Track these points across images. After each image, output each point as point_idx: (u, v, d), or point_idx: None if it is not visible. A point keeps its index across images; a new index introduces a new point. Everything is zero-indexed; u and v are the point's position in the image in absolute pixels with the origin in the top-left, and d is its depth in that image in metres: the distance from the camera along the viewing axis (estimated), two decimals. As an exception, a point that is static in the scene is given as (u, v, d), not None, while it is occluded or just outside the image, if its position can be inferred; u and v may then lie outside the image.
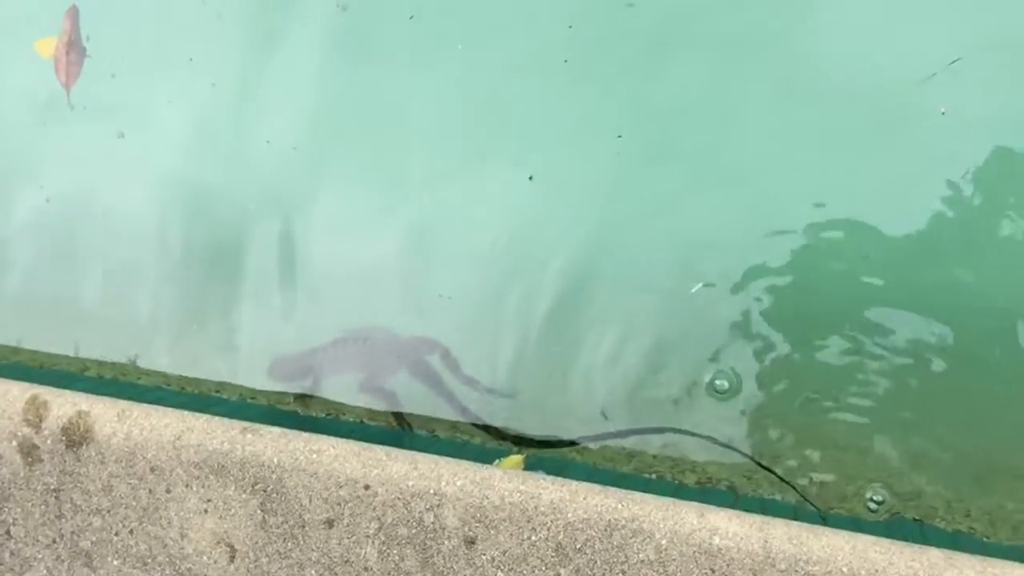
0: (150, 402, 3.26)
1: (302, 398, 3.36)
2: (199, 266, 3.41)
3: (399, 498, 2.51)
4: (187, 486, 2.65)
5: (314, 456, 2.60)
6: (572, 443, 3.00)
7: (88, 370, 3.57)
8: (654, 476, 3.07)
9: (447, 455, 3.06)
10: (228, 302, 3.42)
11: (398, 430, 3.24)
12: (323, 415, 3.36)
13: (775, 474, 2.82)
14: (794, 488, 2.80)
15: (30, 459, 2.77)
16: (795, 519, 2.85)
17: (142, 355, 3.54)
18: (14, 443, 2.79)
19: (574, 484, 2.46)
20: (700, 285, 2.82)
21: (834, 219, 2.73)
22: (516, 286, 3.07)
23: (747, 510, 2.84)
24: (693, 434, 2.87)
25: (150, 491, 2.68)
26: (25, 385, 2.85)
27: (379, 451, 2.60)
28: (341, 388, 3.30)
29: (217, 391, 3.46)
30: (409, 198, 3.06)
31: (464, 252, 3.04)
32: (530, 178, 2.96)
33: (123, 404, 2.77)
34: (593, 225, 2.96)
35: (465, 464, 2.55)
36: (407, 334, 3.22)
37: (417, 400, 3.27)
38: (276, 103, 3.22)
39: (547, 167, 2.98)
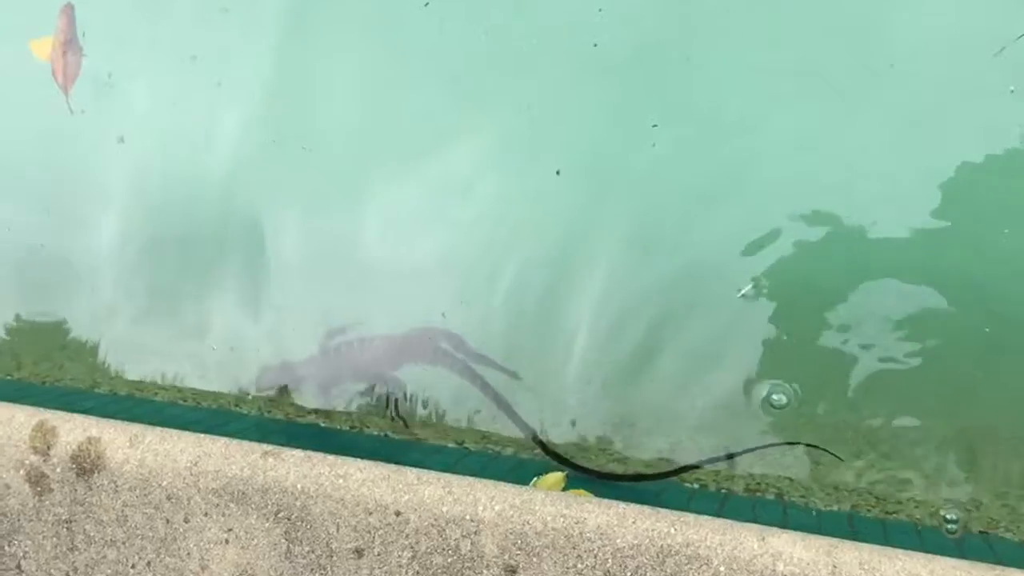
0: (166, 419, 3.12)
1: (325, 413, 3.20)
2: (201, 271, 3.25)
3: (433, 525, 2.33)
4: (206, 515, 2.49)
5: (340, 481, 2.43)
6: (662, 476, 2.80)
7: (99, 386, 3.42)
8: (697, 486, 2.91)
9: (479, 466, 2.92)
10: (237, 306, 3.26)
11: (401, 427, 3.08)
12: (347, 428, 3.20)
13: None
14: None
15: (39, 489, 2.61)
16: (853, 531, 2.70)
17: (157, 368, 3.39)
18: (21, 472, 2.63)
19: (621, 506, 2.29)
20: (749, 287, 2.63)
21: (908, 210, 2.53)
22: (546, 287, 2.89)
23: (800, 523, 2.68)
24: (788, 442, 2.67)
25: (167, 521, 2.52)
26: (31, 409, 2.69)
27: (410, 474, 2.42)
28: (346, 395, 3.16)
29: (236, 405, 3.31)
30: (440, 196, 2.87)
31: (496, 250, 2.86)
32: (557, 172, 2.77)
33: (135, 428, 2.60)
34: (627, 222, 2.77)
35: (503, 487, 2.38)
36: (401, 331, 3.07)
37: (430, 397, 3.12)
38: (286, 102, 3.04)
39: (575, 160, 2.78)
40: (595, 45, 2.72)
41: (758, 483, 2.90)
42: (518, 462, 3.03)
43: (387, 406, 3.11)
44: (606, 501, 2.31)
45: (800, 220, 2.60)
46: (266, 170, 3.01)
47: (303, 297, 3.10)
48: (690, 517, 2.25)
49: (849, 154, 2.59)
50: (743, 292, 2.62)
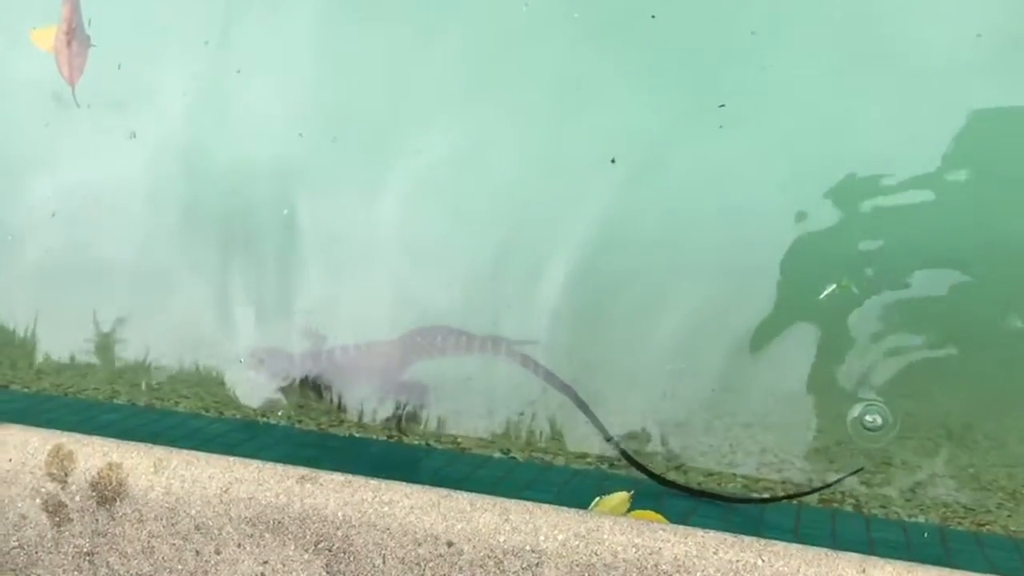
0: (190, 432, 2.93)
1: (360, 423, 2.99)
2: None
3: (489, 556, 2.11)
4: (239, 546, 2.28)
5: (385, 508, 2.20)
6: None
7: (119, 395, 3.21)
8: (767, 494, 2.69)
9: (529, 479, 2.71)
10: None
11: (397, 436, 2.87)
12: (383, 438, 2.99)
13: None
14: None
15: (58, 519, 2.41)
16: (946, 549, 2.47)
17: (175, 369, 3.19)
18: (38, 501, 2.42)
19: (700, 534, 2.05)
20: (832, 287, 2.38)
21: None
22: (602, 289, 2.66)
23: (887, 540, 2.45)
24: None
25: (197, 553, 2.31)
26: (46, 432, 2.48)
27: (462, 499, 2.20)
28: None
29: (263, 416, 3.09)
30: (483, 187, 2.62)
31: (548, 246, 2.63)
32: (612, 161, 2.51)
33: (159, 452, 2.39)
34: (687, 215, 2.52)
35: (566, 513, 2.15)
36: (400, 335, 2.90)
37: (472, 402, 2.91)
38: (307, 89, 2.79)
39: (633, 148, 2.53)
40: (653, 16, 2.45)
41: (832, 492, 2.68)
42: (572, 474, 2.81)
43: (400, 415, 2.91)
44: (683, 528, 2.08)
45: (891, 213, 2.34)
46: (296, 165, 2.76)
47: (339, 300, 2.88)
48: (779, 546, 2.01)
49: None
50: (826, 293, 2.37)
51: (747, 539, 2.03)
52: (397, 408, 2.96)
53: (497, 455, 2.94)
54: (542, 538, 2.09)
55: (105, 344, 3.33)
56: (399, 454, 2.91)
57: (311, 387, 3.04)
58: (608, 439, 2.74)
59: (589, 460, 2.92)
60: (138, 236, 3.01)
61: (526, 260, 2.62)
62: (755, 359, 2.55)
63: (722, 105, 2.39)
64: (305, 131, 2.75)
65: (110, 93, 2.91)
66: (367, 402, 2.99)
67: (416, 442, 3.01)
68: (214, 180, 2.86)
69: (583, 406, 2.81)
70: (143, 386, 3.25)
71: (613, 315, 2.73)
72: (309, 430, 3.04)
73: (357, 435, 3.02)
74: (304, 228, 2.83)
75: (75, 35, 2.85)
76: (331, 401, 3.01)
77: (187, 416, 3.06)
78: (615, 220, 2.51)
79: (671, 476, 2.81)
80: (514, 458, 2.93)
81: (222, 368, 3.12)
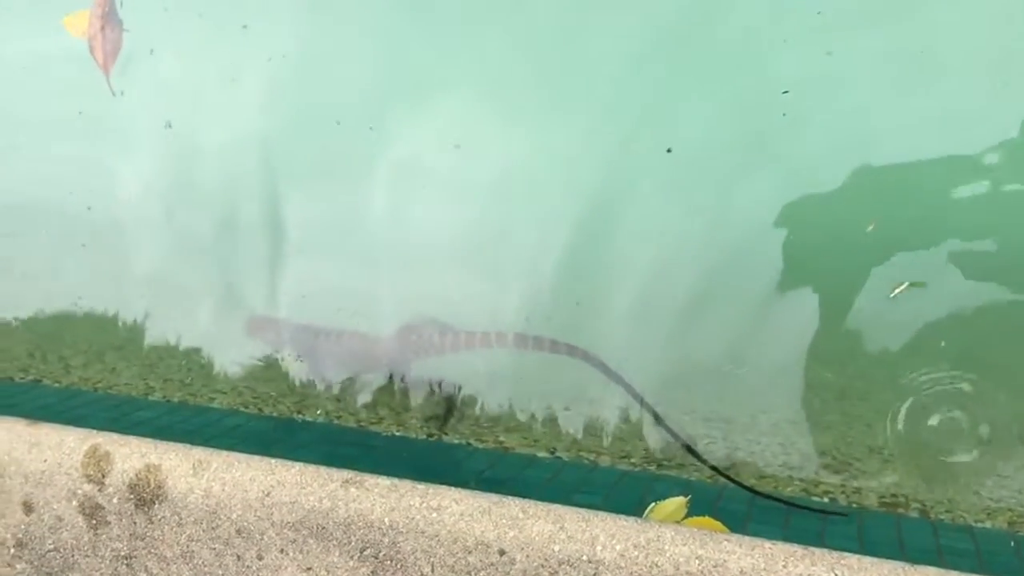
0: (227, 430, 2.85)
1: (397, 418, 2.90)
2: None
3: (543, 566, 2.02)
4: (282, 551, 2.20)
5: (434, 514, 2.11)
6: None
7: (153, 392, 3.14)
8: (827, 499, 2.58)
9: (577, 481, 2.62)
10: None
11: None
12: (423, 437, 2.90)
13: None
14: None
15: (95, 521, 2.34)
16: (1020, 557, 2.35)
17: (213, 370, 3.11)
18: (75, 503, 2.35)
19: (768, 545, 1.95)
20: (904, 285, 2.25)
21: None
22: (656, 284, 2.55)
23: (956, 549, 2.33)
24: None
25: (238, 557, 2.23)
26: (82, 432, 2.41)
27: (514, 506, 2.10)
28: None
29: (299, 412, 3.01)
30: (536, 180, 2.51)
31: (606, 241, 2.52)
32: (668, 151, 2.40)
33: (198, 453, 2.31)
34: (754, 210, 2.40)
35: (623, 521, 2.05)
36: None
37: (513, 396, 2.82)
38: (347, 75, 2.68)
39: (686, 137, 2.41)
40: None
41: (894, 495, 2.57)
42: (619, 476, 2.71)
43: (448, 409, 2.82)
44: (749, 539, 1.97)
45: (963, 210, 2.22)
46: (329, 153, 2.66)
47: (382, 296, 2.78)
48: (852, 559, 1.90)
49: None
50: (897, 292, 2.25)
51: (817, 552, 1.93)
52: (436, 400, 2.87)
53: (543, 455, 2.84)
54: (599, 548, 2.00)
55: (135, 338, 3.26)
56: (441, 454, 2.82)
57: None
58: (686, 447, 2.64)
59: (634, 461, 2.82)
60: (172, 228, 2.92)
61: (584, 254, 2.51)
62: (822, 359, 2.44)
63: (786, 92, 2.27)
64: (343, 119, 2.64)
65: (143, 80, 2.81)
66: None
67: (457, 441, 2.92)
68: (249, 169, 2.76)
69: (649, 409, 2.71)
70: (176, 382, 3.17)
71: (665, 311, 2.62)
72: (348, 427, 2.96)
73: (397, 433, 2.93)
74: (340, 218, 2.74)
75: (108, 19, 2.75)
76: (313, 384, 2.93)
77: (224, 413, 2.98)
78: (672, 215, 2.39)
79: (722, 479, 2.71)
80: (560, 458, 2.84)
81: (259, 361, 3.04)
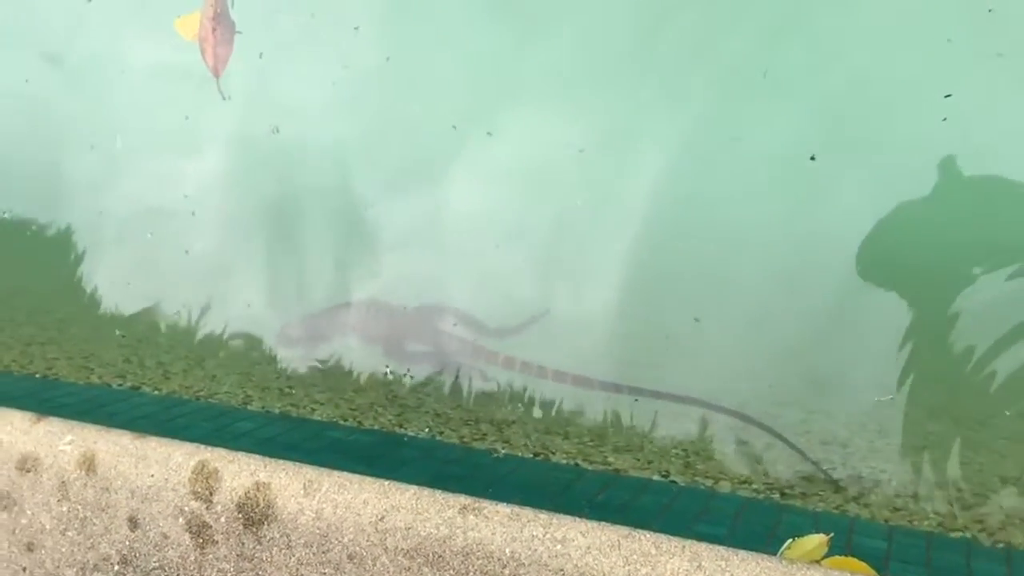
0: (329, 444, 2.77)
1: (501, 434, 2.78)
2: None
3: (680, 608, 1.86)
4: (395, 579, 2.09)
5: (558, 547, 1.98)
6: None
7: (252, 401, 3.07)
8: (967, 534, 2.39)
9: (696, 507, 2.47)
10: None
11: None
12: (529, 455, 2.77)
13: None
14: None
15: (201, 540, 2.26)
16: None
17: (311, 380, 3.04)
18: (181, 520, 2.28)
19: (933, 596, 1.77)
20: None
21: None
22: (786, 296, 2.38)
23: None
24: None
25: (349, 584, 2.13)
26: (190, 447, 2.34)
27: (645, 540, 1.96)
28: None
29: (400, 426, 2.91)
30: (669, 184, 2.38)
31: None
32: (812, 158, 2.23)
33: (309, 472, 2.21)
34: (899, 220, 2.23)
35: (767, 562, 1.88)
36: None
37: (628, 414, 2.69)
38: (461, 78, 2.56)
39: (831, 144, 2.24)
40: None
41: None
42: (741, 504, 2.54)
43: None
44: (912, 587, 1.80)
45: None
46: (450, 159, 2.55)
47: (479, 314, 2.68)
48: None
49: None
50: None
51: (993, 604, 1.74)
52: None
53: (656, 478, 2.69)
54: (742, 590, 1.84)
55: (234, 346, 3.20)
56: (549, 475, 2.69)
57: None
58: (826, 478, 2.48)
59: (756, 487, 2.66)
60: (275, 234, 2.85)
61: (704, 268, 2.37)
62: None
63: (948, 95, 2.07)
64: (460, 124, 2.53)
65: (252, 84, 2.74)
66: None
67: (565, 461, 2.79)
68: (362, 174, 2.67)
69: (770, 431, 2.55)
70: (275, 391, 3.11)
71: (784, 326, 2.46)
72: (451, 443, 2.85)
73: (502, 451, 2.81)
74: (456, 221, 2.63)
75: (220, 21, 2.68)
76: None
77: (324, 425, 2.90)
78: (811, 224, 2.23)
79: (852, 509, 2.54)
80: (674, 482, 2.69)
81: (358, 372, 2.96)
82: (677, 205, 2.53)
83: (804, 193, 2.22)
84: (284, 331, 3.09)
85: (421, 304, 2.89)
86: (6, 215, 3.41)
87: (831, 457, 2.67)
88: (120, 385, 3.18)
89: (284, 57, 2.71)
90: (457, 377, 2.90)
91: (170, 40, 2.76)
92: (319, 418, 2.97)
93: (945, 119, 2.06)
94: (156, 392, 3.13)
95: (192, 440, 2.43)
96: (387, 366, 2.85)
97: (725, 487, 2.66)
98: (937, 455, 2.54)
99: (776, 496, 2.62)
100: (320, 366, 3.10)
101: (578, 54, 2.55)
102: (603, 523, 2.02)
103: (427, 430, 2.92)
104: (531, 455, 2.81)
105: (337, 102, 2.66)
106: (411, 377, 2.86)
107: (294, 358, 3.06)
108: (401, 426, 2.93)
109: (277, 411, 2.99)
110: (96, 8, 2.88)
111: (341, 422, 2.94)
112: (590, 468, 2.75)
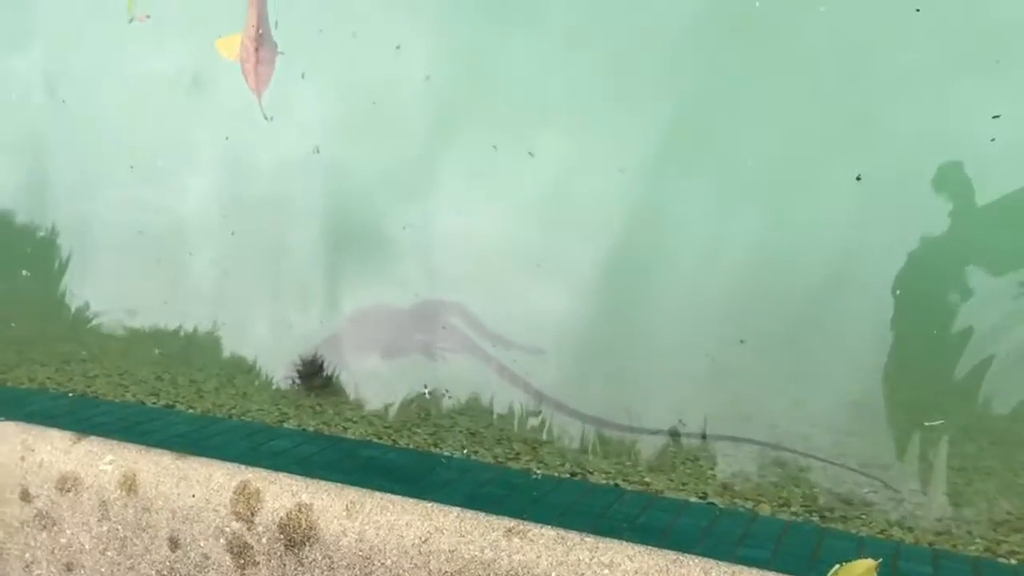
0: (364, 463, 2.75)
1: (534, 451, 2.76)
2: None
3: (730, 634, 1.84)
4: (439, 603, 2.07)
5: (605, 571, 1.96)
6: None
7: (287, 419, 3.07)
8: (1014, 560, 2.35)
9: (738, 531, 2.44)
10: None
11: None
12: (567, 475, 2.75)
13: None
14: None
15: (242, 561, 2.26)
16: None
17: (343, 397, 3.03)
18: (222, 541, 2.27)
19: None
20: None
21: None
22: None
23: None
24: None
25: (392, 606, 2.11)
26: (231, 467, 2.33)
27: (694, 566, 1.94)
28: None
29: (435, 445, 2.90)
30: (745, 203, 2.37)
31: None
32: (858, 178, 2.21)
33: (351, 494, 2.20)
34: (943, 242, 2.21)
35: (824, 591, 1.86)
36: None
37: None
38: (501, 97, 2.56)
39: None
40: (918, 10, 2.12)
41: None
42: (783, 528, 2.51)
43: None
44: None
45: None
46: (491, 181, 2.54)
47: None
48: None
49: None
50: None
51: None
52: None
53: (694, 500, 2.66)
54: (795, 618, 1.82)
55: (266, 363, 3.21)
56: (587, 496, 2.66)
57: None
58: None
59: (794, 511, 2.63)
60: (316, 254, 2.86)
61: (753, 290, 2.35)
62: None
63: (996, 116, 2.06)
64: (500, 143, 2.52)
65: (293, 104, 2.75)
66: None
67: (604, 481, 2.76)
68: (400, 194, 2.67)
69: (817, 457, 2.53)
70: (308, 408, 3.10)
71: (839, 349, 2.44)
72: (487, 463, 2.83)
73: (537, 472, 2.79)
74: (496, 241, 2.63)
75: (262, 42, 2.69)
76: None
77: (358, 444, 2.89)
78: (859, 246, 2.21)
79: (895, 533, 2.51)
80: (712, 504, 2.66)
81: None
82: (757, 227, 2.49)
83: (851, 214, 2.20)
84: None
85: (449, 325, 2.88)
86: (41, 234, 3.44)
87: (872, 480, 2.64)
88: (154, 403, 3.19)
89: (325, 77, 2.71)
90: (489, 397, 2.89)
91: (211, 60, 2.77)
92: (352, 436, 2.96)
93: (993, 140, 2.04)
94: (191, 411, 3.13)
95: (229, 459, 2.43)
96: (426, 385, 2.84)
97: (765, 509, 2.62)
98: (979, 478, 2.51)
99: (816, 519, 2.58)
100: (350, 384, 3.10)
101: (620, 73, 2.54)
102: (650, 547, 2.00)
103: (463, 450, 2.91)
104: (568, 475, 2.79)
105: (378, 121, 2.66)
106: (449, 397, 2.85)
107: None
108: (436, 445, 2.91)
109: (311, 429, 2.98)
110: (137, 28, 2.90)
111: (376, 440, 2.93)
112: (629, 488, 2.73)
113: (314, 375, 3.01)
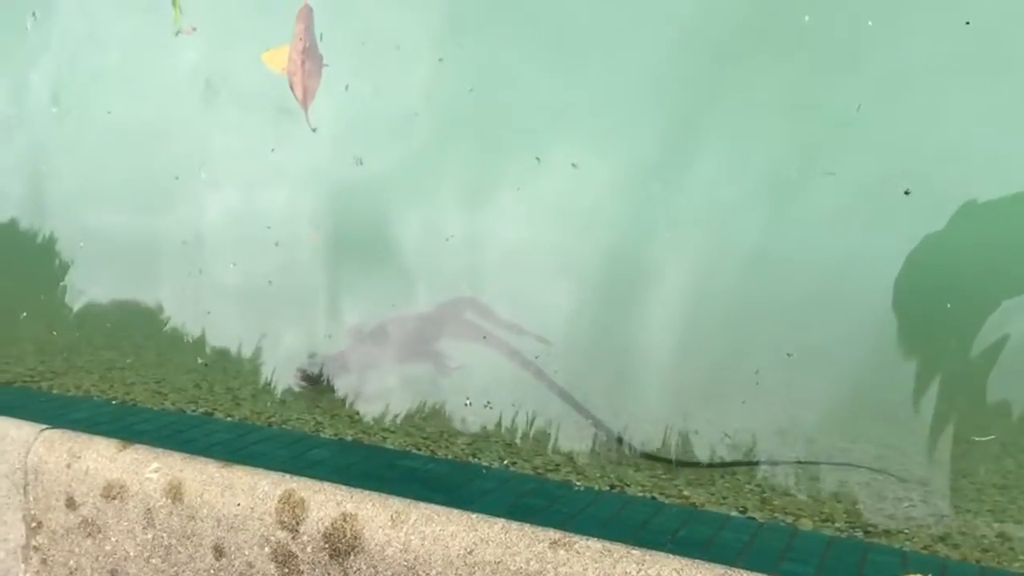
0: (404, 474, 2.76)
1: (572, 463, 2.76)
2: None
3: (780, 650, 1.83)
4: (484, 614, 2.07)
5: (653, 584, 1.95)
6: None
7: (323, 429, 3.08)
8: None
9: (780, 545, 2.42)
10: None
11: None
12: (606, 488, 2.75)
13: None
14: None
15: (287, 570, 2.27)
16: None
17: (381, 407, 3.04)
18: (267, 549, 2.28)
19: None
20: None
21: None
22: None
23: None
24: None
25: (436, 618, 2.11)
26: (276, 476, 2.35)
27: (742, 580, 1.92)
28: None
29: (474, 456, 2.90)
30: (754, 218, 2.37)
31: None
32: (906, 192, 2.20)
33: (396, 504, 2.21)
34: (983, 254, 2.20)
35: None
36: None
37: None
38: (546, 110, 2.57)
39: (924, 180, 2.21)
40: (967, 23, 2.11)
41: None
42: (826, 543, 2.49)
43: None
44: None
45: None
46: (539, 190, 2.55)
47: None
48: None
49: None
50: None
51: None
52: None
53: (734, 514, 2.65)
54: (847, 634, 1.80)
55: (302, 373, 3.23)
56: (626, 509, 2.65)
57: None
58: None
59: (839, 526, 2.60)
60: (358, 265, 2.87)
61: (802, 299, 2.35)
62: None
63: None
64: (543, 156, 2.53)
65: (337, 115, 2.77)
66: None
67: (641, 494, 2.76)
68: (443, 205, 2.68)
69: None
70: (344, 418, 3.11)
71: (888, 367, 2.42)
72: (526, 474, 2.83)
73: (578, 484, 2.79)
74: (540, 252, 2.63)
75: (309, 54, 2.72)
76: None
77: (398, 454, 2.89)
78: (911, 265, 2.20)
79: (940, 549, 2.49)
80: (753, 518, 2.64)
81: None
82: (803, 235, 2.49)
83: (898, 227, 2.19)
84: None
85: (491, 336, 2.88)
86: (81, 244, 3.48)
87: (910, 495, 2.62)
88: (193, 411, 3.21)
89: (369, 89, 2.73)
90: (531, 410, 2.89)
91: (257, 72, 2.80)
92: (391, 446, 2.96)
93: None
94: (229, 418, 3.15)
95: (270, 468, 2.45)
96: (467, 397, 2.85)
97: (806, 524, 2.60)
98: (1019, 493, 2.49)
99: (859, 534, 2.56)
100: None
101: (663, 85, 2.54)
102: (697, 560, 1.99)
103: (503, 461, 2.91)
104: (607, 487, 2.78)
105: (420, 133, 2.67)
106: (490, 407, 2.85)
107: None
108: (474, 455, 2.91)
109: (350, 438, 2.99)
110: (182, 41, 2.94)
111: (415, 451, 2.93)
112: (667, 501, 2.72)
113: (317, 380, 3.04)
